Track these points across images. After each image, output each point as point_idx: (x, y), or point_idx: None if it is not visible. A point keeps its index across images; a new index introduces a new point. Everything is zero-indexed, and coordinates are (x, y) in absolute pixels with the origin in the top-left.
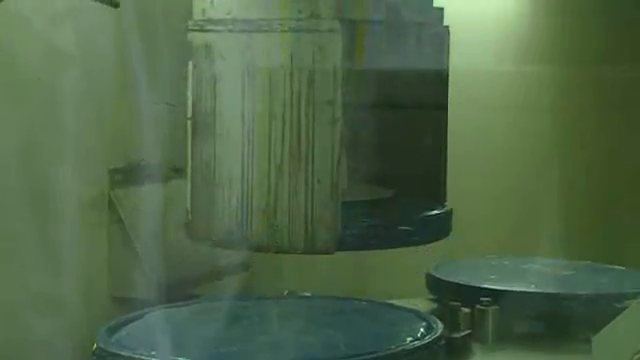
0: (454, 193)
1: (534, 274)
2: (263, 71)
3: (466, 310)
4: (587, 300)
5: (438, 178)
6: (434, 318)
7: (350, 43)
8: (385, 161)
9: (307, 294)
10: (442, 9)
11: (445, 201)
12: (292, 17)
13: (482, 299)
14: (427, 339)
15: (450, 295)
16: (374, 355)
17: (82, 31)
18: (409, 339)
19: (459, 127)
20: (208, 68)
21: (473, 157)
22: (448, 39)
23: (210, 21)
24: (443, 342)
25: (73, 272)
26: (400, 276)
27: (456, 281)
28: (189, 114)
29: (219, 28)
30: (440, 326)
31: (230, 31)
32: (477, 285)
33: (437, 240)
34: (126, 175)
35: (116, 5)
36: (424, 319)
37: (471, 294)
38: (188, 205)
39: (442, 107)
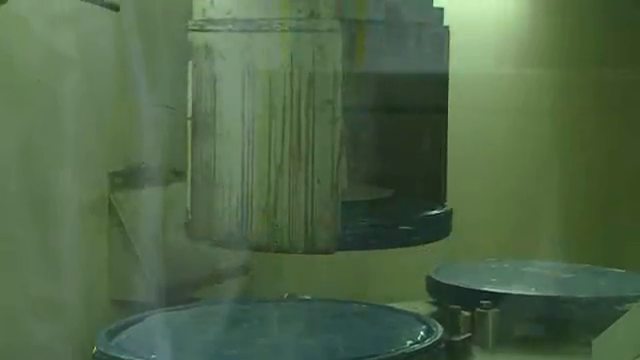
0: (454, 195)
1: (534, 277)
2: (263, 71)
3: (466, 313)
4: (587, 303)
5: (438, 178)
6: (434, 321)
7: (350, 43)
8: (385, 161)
9: (307, 297)
10: (442, 9)
11: (445, 201)
12: (292, 17)
13: (482, 302)
14: (427, 342)
15: (450, 298)
16: (374, 358)
17: (83, 34)
18: (409, 342)
19: (459, 130)
20: (208, 68)
21: (473, 160)
22: (448, 39)
23: (210, 21)
24: (443, 345)
25: (73, 275)
26: (400, 279)
27: (456, 284)
28: (189, 114)
29: (219, 28)
30: (440, 329)
31: (230, 31)
32: (477, 288)
33: (437, 240)
34: (126, 178)
35: (116, 8)
36: (424, 322)
37: (471, 297)
38: (188, 205)
39: (442, 106)
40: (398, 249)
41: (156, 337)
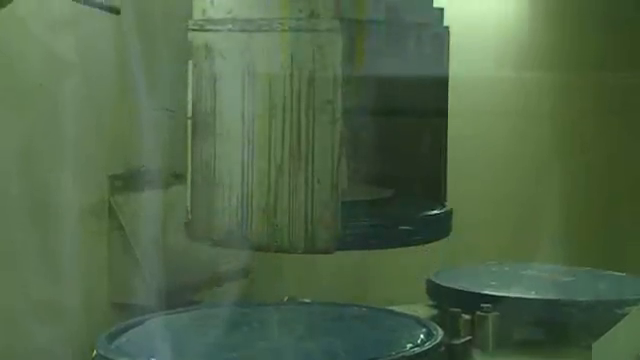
0: (455, 198)
1: (534, 280)
2: (263, 71)
3: (466, 316)
4: (587, 306)
5: (438, 178)
6: (434, 324)
7: (350, 43)
8: (385, 161)
9: (307, 300)
10: (442, 9)
11: (445, 201)
12: (292, 17)
13: (482, 305)
14: (427, 345)
15: (450, 301)
16: None
17: (83, 38)
18: (409, 345)
19: (460, 133)
20: (208, 68)
21: (474, 162)
22: (448, 39)
23: (210, 21)
24: (443, 348)
25: (73, 278)
26: (400, 282)
27: (456, 287)
28: (189, 114)
29: (219, 28)
30: (440, 332)
31: (230, 31)
32: (477, 291)
33: (437, 240)
34: (126, 181)
35: (117, 12)
36: (424, 325)
37: (471, 300)
38: (188, 205)
39: (442, 106)
40: (398, 251)
41: (156, 340)
